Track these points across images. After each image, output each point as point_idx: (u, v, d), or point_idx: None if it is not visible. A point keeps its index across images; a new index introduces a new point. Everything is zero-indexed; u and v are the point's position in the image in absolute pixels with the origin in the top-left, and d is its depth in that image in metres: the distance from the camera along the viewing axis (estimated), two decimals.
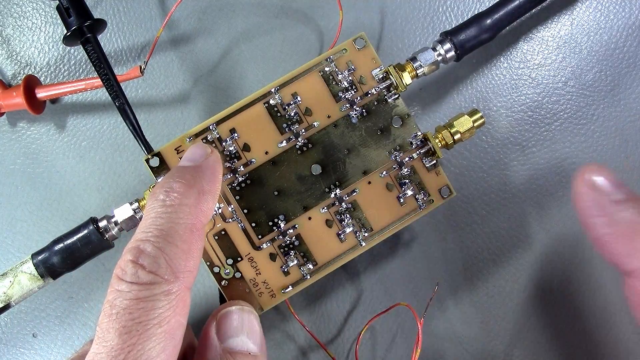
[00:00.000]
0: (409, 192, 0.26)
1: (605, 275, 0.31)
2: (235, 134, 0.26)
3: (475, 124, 0.27)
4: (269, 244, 0.26)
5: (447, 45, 0.28)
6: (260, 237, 0.26)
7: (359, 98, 0.27)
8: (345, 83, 0.27)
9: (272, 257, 0.26)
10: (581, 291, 0.32)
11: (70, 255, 0.26)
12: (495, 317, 0.31)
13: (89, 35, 0.27)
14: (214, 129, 0.26)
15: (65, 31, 0.27)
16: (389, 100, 0.27)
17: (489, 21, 0.28)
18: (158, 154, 0.26)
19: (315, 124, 0.26)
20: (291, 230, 0.26)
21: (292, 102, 0.26)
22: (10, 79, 0.33)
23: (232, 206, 0.26)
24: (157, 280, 0.19)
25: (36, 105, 0.31)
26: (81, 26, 0.27)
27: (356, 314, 0.32)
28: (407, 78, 0.27)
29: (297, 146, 0.26)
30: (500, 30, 0.29)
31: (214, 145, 0.26)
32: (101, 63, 0.27)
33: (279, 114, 0.26)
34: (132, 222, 0.27)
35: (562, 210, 0.32)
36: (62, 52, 0.33)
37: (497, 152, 0.32)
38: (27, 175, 0.32)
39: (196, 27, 0.33)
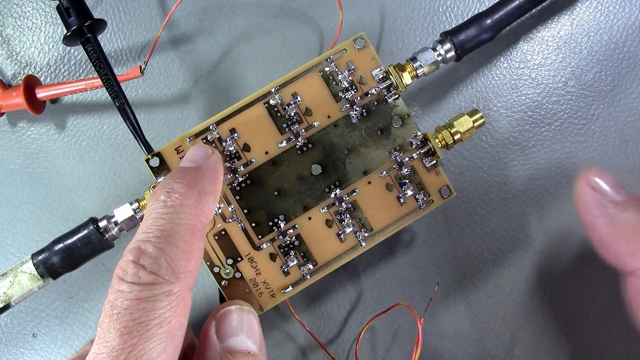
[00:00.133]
0: (409, 192, 0.26)
1: (605, 275, 0.31)
2: (235, 134, 0.26)
3: (475, 124, 0.27)
4: (269, 244, 0.26)
5: (447, 45, 0.28)
6: (260, 237, 0.26)
7: (359, 98, 0.27)
8: (345, 83, 0.27)
9: (272, 257, 0.26)
10: (581, 291, 0.32)
11: (70, 255, 0.26)
12: (495, 317, 0.32)
13: (89, 35, 0.27)
14: (214, 129, 0.26)
15: (65, 31, 0.27)
16: (389, 100, 0.27)
17: (489, 21, 0.28)
18: (158, 154, 0.26)
19: (315, 124, 0.26)
20: (291, 230, 0.26)
21: (292, 102, 0.26)
22: (10, 79, 0.33)
23: (232, 206, 0.26)
24: (158, 281, 0.19)
25: (36, 105, 0.31)
26: (81, 26, 0.27)
27: (356, 314, 0.32)
28: (407, 78, 0.27)
29: (297, 146, 0.26)
30: (500, 30, 0.29)
31: (214, 145, 0.26)
32: (101, 63, 0.27)
33: (279, 114, 0.26)
34: (132, 222, 0.27)
35: (562, 210, 0.32)
36: (62, 52, 0.33)
37: (497, 152, 0.32)
38: (27, 175, 0.32)
39: (196, 27, 0.33)
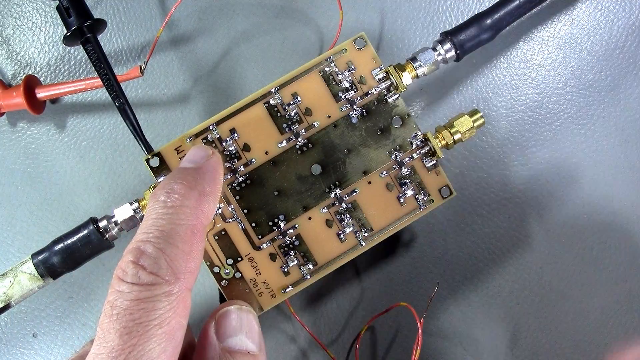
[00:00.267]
0: (409, 192, 0.26)
1: (605, 275, 0.32)
2: (236, 134, 0.26)
3: (475, 124, 0.27)
4: (269, 244, 0.26)
5: (447, 45, 0.28)
6: (260, 237, 0.26)
7: (359, 98, 0.27)
8: (346, 83, 0.27)
9: (272, 257, 0.26)
10: (581, 291, 0.32)
11: (70, 255, 0.26)
12: (495, 317, 0.32)
13: (89, 35, 0.27)
14: (214, 129, 0.26)
15: (65, 31, 0.27)
16: (389, 100, 0.27)
17: (489, 21, 0.28)
18: (158, 154, 0.26)
19: (315, 124, 0.26)
20: (291, 230, 0.26)
21: (292, 102, 0.26)
22: (10, 79, 0.33)
23: (232, 206, 0.26)
24: (157, 281, 0.19)
25: (36, 105, 0.31)
26: (81, 26, 0.27)
27: (356, 314, 0.32)
28: (407, 78, 0.27)
29: (297, 146, 0.26)
30: (500, 30, 0.29)
31: (214, 145, 0.26)
32: (101, 63, 0.27)
33: (279, 114, 0.26)
34: (132, 222, 0.27)
35: (562, 210, 0.32)
36: (62, 52, 0.33)
37: (497, 152, 0.32)
38: (27, 175, 0.32)
39: (196, 27, 0.33)
